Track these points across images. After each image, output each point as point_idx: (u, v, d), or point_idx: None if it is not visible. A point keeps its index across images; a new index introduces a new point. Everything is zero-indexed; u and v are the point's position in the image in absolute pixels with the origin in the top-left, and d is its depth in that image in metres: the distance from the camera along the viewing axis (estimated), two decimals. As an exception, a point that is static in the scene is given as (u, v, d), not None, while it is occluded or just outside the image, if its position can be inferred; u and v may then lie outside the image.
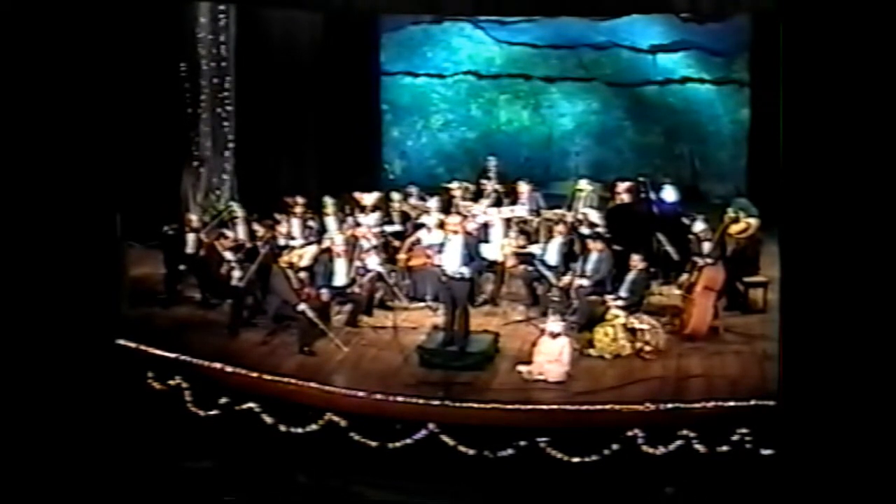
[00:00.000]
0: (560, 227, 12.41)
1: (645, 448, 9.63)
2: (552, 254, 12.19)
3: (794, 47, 8.17)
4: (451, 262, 10.75)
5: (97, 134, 11.19)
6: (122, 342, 11.28)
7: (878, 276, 8.12)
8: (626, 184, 13.32)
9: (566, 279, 11.75)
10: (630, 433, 9.64)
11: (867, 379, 8.19)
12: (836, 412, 8.24)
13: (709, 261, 11.44)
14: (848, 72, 7.95)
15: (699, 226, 12.20)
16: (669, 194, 13.07)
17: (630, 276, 11.44)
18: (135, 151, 12.42)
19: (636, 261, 11.45)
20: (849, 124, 8.02)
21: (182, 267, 12.67)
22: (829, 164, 8.10)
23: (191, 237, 12.69)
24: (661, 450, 9.61)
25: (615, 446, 9.65)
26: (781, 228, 8.69)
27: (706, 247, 11.88)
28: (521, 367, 10.51)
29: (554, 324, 10.53)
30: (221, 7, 14.61)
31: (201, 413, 10.74)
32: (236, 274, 11.79)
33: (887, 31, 7.86)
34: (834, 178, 8.11)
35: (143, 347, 11.21)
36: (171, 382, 10.92)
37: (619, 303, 11.16)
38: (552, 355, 10.36)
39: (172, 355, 11.02)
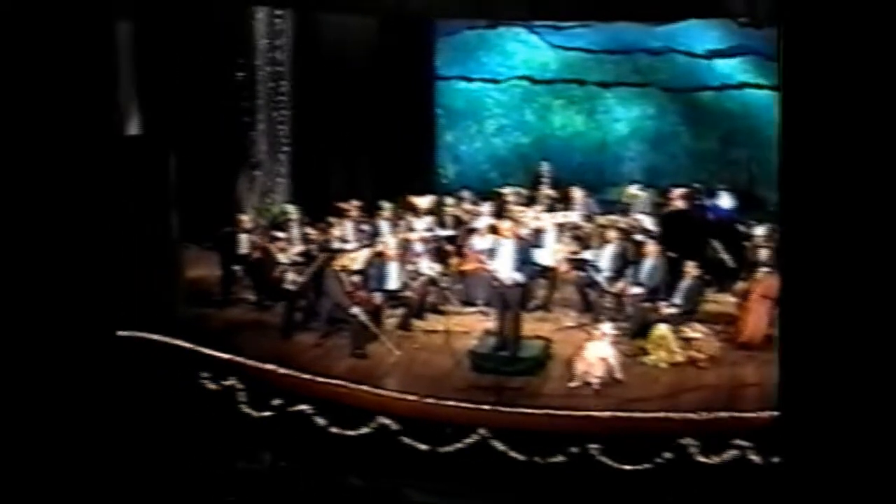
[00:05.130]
0: (613, 233, 12.34)
1: (698, 457, 9.54)
2: (605, 260, 12.11)
3: (795, 48, 8.03)
4: (504, 267, 10.74)
5: (157, 136, 11.34)
6: (177, 342, 11.42)
7: (879, 277, 7.93)
8: (681, 190, 13.22)
9: (619, 285, 11.69)
10: (682, 441, 9.56)
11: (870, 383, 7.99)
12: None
13: (765, 269, 11.30)
14: (848, 73, 7.79)
15: (757, 232, 12.05)
16: (725, 200, 12.97)
17: (684, 284, 11.33)
18: (192, 154, 12.57)
19: (690, 268, 11.35)
20: (849, 126, 7.85)
21: (236, 268, 12.80)
22: (830, 165, 7.93)
23: (245, 239, 12.81)
24: (714, 459, 9.52)
25: (667, 455, 9.57)
26: (782, 230, 8.53)
27: (763, 254, 11.73)
28: (571, 384, 10.46)
29: (606, 325, 10.53)
30: (278, 12, 14.74)
31: (254, 414, 10.84)
32: (289, 276, 11.86)
33: (888, 32, 7.70)
34: (834, 180, 7.94)
35: (197, 348, 11.34)
36: (225, 383, 11.03)
37: (673, 310, 11.08)
38: (597, 355, 10.33)
39: (226, 356, 11.14)
